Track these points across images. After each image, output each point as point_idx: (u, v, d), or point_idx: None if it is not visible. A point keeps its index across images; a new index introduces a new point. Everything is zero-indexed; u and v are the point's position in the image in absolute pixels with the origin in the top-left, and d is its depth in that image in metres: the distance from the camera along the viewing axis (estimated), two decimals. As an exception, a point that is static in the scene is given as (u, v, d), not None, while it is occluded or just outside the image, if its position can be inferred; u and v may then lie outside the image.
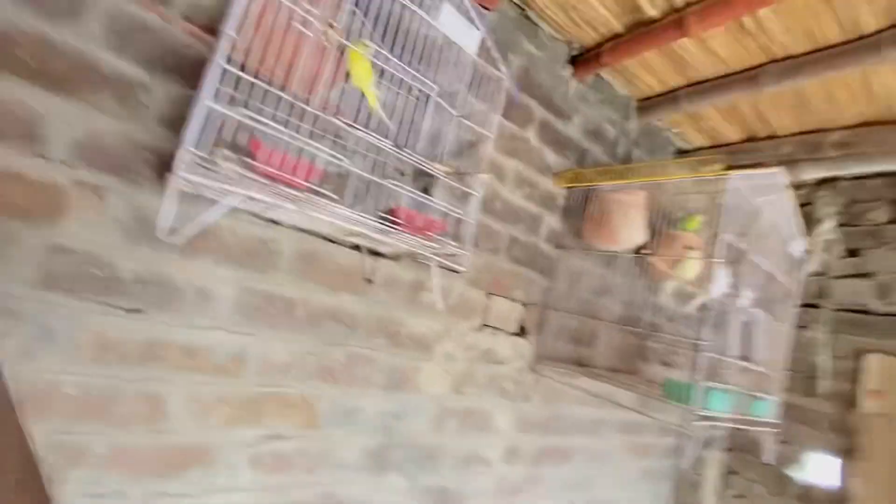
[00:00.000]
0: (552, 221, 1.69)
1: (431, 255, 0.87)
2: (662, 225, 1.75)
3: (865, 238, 2.09)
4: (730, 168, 1.31)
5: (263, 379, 1.06)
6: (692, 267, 1.62)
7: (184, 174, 0.59)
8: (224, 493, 1.02)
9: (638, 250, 1.72)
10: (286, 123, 0.69)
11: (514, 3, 1.50)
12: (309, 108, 0.71)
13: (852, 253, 2.10)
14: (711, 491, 2.29)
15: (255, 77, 0.69)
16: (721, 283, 1.65)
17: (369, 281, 1.20)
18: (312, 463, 1.14)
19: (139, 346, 0.91)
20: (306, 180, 0.70)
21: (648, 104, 1.93)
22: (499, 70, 0.96)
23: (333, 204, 0.73)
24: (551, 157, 1.67)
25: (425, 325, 1.34)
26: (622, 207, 1.58)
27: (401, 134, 0.82)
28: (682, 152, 2.27)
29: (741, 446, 2.29)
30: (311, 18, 0.71)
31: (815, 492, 2.00)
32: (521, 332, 1.61)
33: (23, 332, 0.79)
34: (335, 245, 1.15)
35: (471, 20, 0.91)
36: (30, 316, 0.80)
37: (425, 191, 1.06)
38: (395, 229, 0.80)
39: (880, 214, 2.06)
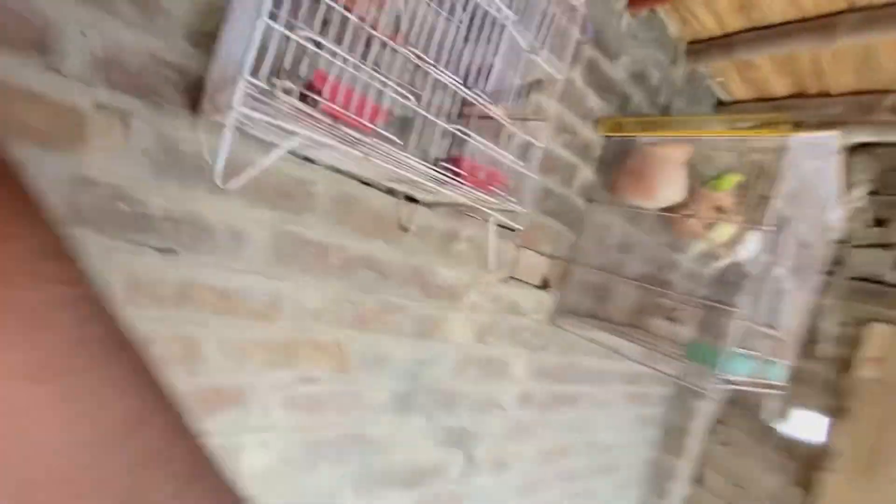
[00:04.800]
0: (587, 173, 1.61)
1: (489, 211, 0.80)
2: (694, 182, 1.68)
3: (893, 207, 2.05)
4: (796, 127, 1.22)
5: (297, 324, 1.03)
6: (726, 230, 1.58)
7: (241, 109, 0.50)
8: (256, 433, 1.03)
9: (671, 208, 1.66)
10: (349, 52, 0.59)
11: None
12: (377, 34, 0.60)
13: (879, 223, 2.07)
14: (698, 437, 2.44)
15: (312, -9, 0.57)
16: (752, 247, 1.62)
17: (405, 229, 1.13)
18: (343, 405, 1.15)
19: (173, 287, 0.85)
20: (372, 122, 0.61)
21: (698, 48, 1.77)
22: None
23: (398, 151, 0.64)
24: (594, 101, 1.55)
25: (455, 275, 1.30)
26: (663, 162, 1.49)
27: (471, 70, 0.72)
28: (721, 104, 2.14)
29: (730, 399, 2.41)
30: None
31: (798, 445, 2.13)
32: (545, 285, 1.59)
33: (50, 269, 0.73)
34: (371, 189, 1.08)
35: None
36: (56, 253, 0.74)
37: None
38: (458, 182, 0.72)
39: (915, 184, 2.01)
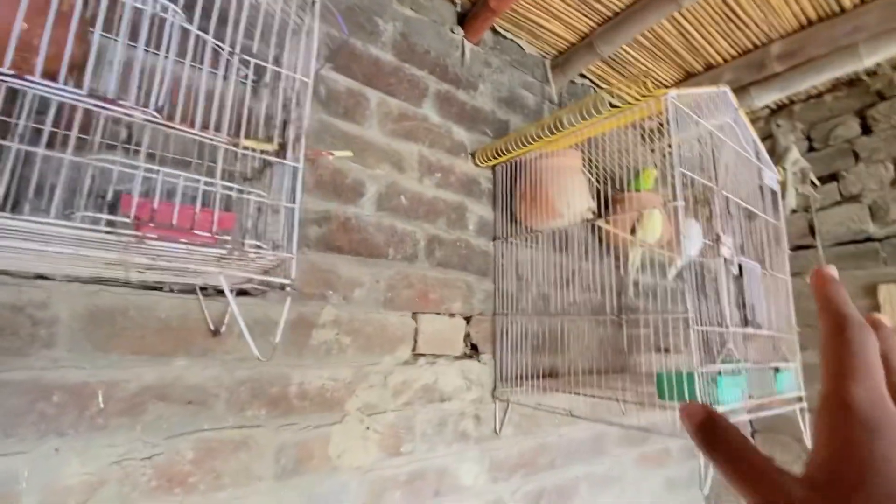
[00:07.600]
0: (481, 210, 1.38)
1: (214, 270, 0.53)
2: (609, 189, 1.46)
3: (839, 158, 1.85)
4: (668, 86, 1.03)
5: (53, 519, 0.68)
6: (654, 225, 1.33)
7: None
8: None
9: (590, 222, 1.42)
10: None
11: (368, -42, 1.23)
12: None
13: (831, 178, 1.86)
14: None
15: None
16: (696, 237, 1.35)
17: (216, 332, 0.85)
18: None
19: None
20: None
21: (564, 59, 1.67)
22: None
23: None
24: (463, 135, 1.38)
25: (326, 374, 0.98)
26: (555, 173, 1.28)
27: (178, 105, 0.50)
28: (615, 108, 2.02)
29: (768, 426, 1.96)
30: None
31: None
32: (473, 352, 1.27)
33: None
34: (156, 293, 0.81)
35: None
36: None
37: (246, 181, 0.73)
38: (127, 235, 0.46)
39: (848, 129, 1.83)
